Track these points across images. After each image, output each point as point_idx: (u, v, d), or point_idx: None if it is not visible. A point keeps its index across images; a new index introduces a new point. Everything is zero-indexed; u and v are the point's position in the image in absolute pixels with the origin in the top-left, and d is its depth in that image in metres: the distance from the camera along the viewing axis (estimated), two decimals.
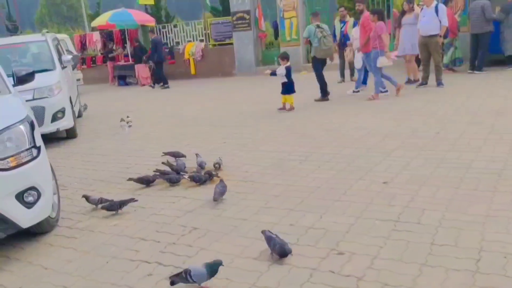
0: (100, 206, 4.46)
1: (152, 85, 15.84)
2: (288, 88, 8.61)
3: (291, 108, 8.64)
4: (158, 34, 17.09)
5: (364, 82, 10.29)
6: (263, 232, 3.29)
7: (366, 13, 9.10)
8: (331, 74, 12.64)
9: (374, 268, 2.88)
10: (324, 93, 9.44)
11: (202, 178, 4.90)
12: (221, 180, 4.53)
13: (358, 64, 10.07)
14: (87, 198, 4.56)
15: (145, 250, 3.50)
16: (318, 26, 9.11)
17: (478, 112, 6.88)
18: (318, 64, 9.34)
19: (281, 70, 8.57)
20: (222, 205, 4.25)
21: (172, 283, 2.84)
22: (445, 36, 9.89)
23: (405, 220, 3.51)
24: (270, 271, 2.99)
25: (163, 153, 5.96)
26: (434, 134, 5.92)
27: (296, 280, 2.84)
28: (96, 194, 4.75)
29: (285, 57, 8.71)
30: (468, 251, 2.96)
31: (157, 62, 15.30)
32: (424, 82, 9.71)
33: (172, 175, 5.07)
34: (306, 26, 9.86)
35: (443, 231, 3.27)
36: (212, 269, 2.82)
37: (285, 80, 8.54)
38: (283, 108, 8.70)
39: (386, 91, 9.24)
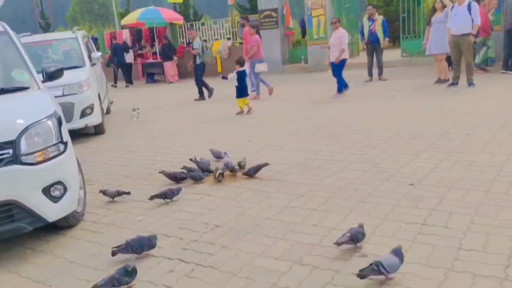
0: (116, 198, 4.66)
1: (127, 84, 17.40)
2: (238, 92, 8.90)
3: (241, 112, 8.91)
4: (114, 38, 18.75)
5: (345, 85, 9.97)
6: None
7: (246, 28, 11.26)
8: (358, 73, 12.51)
9: (399, 271, 2.81)
10: (202, 94, 11.46)
11: (234, 168, 5.14)
12: None
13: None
14: (104, 192, 4.67)
15: (167, 247, 3.52)
16: (201, 40, 11.75)
17: (511, 114, 6.66)
18: (201, 69, 11.44)
19: (232, 74, 8.96)
20: (245, 204, 4.24)
21: (362, 277, 2.71)
22: (476, 35, 9.61)
23: (432, 224, 3.42)
24: (292, 272, 2.96)
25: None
26: (465, 135, 5.76)
27: (317, 282, 2.81)
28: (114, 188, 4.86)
29: (238, 62, 9.11)
30: (497, 257, 2.87)
31: (120, 65, 17.19)
32: (455, 82, 9.47)
33: (195, 173, 5.07)
34: None
35: (471, 236, 3.17)
36: (401, 255, 2.75)
37: (236, 84, 8.87)
38: (241, 112, 8.94)
39: (254, 90, 10.78)
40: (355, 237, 3.12)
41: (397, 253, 2.76)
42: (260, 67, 10.55)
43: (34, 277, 3.29)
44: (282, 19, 15.75)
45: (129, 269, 2.95)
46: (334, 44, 9.81)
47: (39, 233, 3.95)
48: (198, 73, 11.38)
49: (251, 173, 4.93)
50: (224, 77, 9.28)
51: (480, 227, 3.29)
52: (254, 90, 10.78)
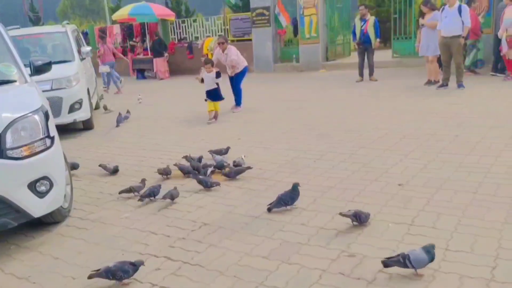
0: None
1: None
2: (218, 94, 8.22)
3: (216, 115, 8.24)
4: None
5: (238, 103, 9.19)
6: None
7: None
8: (349, 73, 12.53)
9: (386, 272, 2.81)
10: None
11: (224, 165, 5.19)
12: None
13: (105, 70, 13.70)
14: (122, 191, 4.61)
15: (154, 244, 3.49)
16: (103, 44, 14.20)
17: (500, 116, 6.71)
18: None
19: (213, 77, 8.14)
20: (234, 202, 4.22)
21: (386, 266, 2.79)
22: (466, 37, 9.66)
23: (419, 224, 3.43)
24: (279, 271, 2.95)
25: (208, 151, 5.69)
26: (454, 137, 5.79)
27: (305, 281, 2.80)
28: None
29: (209, 62, 8.35)
30: (484, 258, 2.88)
31: None
32: (445, 84, 9.52)
33: (203, 179, 4.72)
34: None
35: (459, 237, 3.18)
36: (432, 253, 2.75)
37: (215, 86, 8.16)
38: (214, 118, 8.17)
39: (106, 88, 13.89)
40: (358, 215, 3.41)
41: (428, 250, 2.75)
42: (103, 69, 13.46)
43: (18, 273, 3.25)
44: (274, 18, 15.72)
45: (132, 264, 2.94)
46: (232, 60, 8.81)
47: (24, 229, 3.90)
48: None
49: (232, 176, 4.86)
50: (218, 76, 8.29)
51: (468, 228, 3.30)
52: (105, 87, 13.82)
